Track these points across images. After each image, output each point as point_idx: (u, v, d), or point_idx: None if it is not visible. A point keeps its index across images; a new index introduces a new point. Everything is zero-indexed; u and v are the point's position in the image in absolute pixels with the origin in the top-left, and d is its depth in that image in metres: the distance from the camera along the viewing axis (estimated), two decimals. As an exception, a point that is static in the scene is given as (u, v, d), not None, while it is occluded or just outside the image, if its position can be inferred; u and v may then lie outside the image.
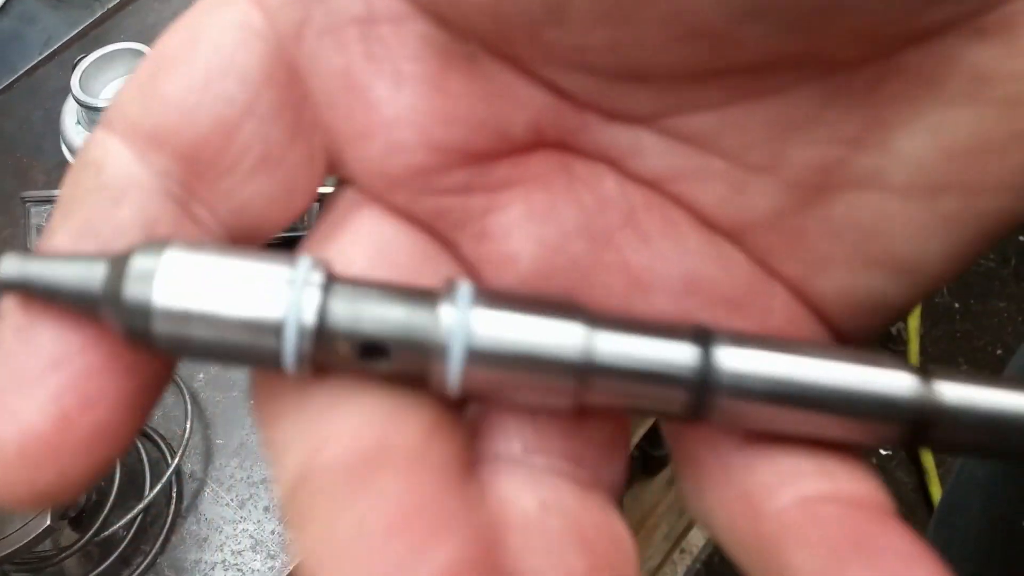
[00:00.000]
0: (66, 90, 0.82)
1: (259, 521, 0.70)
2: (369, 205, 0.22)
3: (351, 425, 0.19)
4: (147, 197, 0.20)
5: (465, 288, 0.20)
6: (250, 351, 0.19)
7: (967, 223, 0.20)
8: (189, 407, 0.72)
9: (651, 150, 0.22)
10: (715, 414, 0.20)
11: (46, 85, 0.93)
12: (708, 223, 0.22)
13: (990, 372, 0.23)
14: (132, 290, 0.19)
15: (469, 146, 0.21)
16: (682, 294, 0.22)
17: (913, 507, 1.56)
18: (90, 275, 0.19)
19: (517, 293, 0.20)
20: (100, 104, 0.80)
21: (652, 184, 0.22)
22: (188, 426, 0.71)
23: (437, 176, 0.21)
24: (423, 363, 0.19)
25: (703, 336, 0.20)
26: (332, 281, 0.19)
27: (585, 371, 0.19)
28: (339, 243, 0.22)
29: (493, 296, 0.20)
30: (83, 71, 0.82)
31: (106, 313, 0.19)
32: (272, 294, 0.19)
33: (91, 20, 0.95)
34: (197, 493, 0.71)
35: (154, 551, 0.68)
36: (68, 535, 0.69)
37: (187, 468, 0.72)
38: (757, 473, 0.20)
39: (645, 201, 0.22)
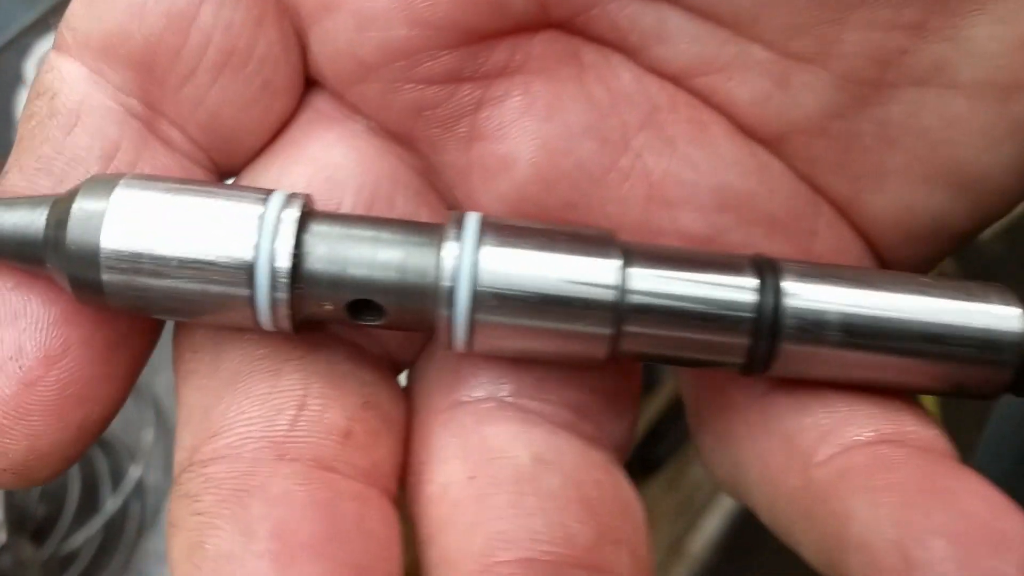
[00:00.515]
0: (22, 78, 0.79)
1: (227, 535, 0.67)
2: (325, 124, 0.19)
3: (255, 411, 0.17)
4: (104, 119, 0.18)
5: (472, 220, 0.17)
6: (217, 303, 0.17)
7: None
8: (151, 413, 0.69)
9: (678, 34, 0.18)
10: (779, 364, 0.17)
11: (3, 74, 0.89)
12: (743, 127, 0.19)
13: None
14: (76, 234, 0.16)
15: (460, 21, 0.18)
16: (712, 210, 0.19)
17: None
18: (32, 220, 0.17)
19: (535, 224, 0.17)
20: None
21: (677, 78, 0.19)
22: (150, 434, 0.68)
23: (420, 59, 0.18)
24: (424, 313, 0.17)
25: (767, 269, 0.17)
26: (312, 217, 0.17)
27: (624, 315, 0.17)
28: (279, 171, 0.19)
29: (507, 229, 0.17)
30: (40, 57, 0.79)
31: (51, 263, 0.17)
32: (240, 233, 0.16)
33: (52, 3, 0.91)
34: (160, 506, 0.68)
35: (115, 568, 0.65)
36: (27, 551, 0.66)
37: (150, 479, 0.69)
38: (806, 417, 0.18)
39: (669, 99, 0.19)
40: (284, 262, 0.16)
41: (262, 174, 0.19)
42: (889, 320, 0.17)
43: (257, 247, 0.16)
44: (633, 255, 0.17)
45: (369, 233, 0.17)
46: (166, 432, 0.70)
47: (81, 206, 0.16)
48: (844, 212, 0.19)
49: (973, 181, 0.18)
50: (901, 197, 0.19)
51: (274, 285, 0.16)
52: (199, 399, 0.17)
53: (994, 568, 0.14)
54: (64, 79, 0.18)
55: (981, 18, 0.17)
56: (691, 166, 0.19)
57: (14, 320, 0.17)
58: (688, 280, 0.17)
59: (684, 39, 0.18)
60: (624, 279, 0.16)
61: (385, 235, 0.17)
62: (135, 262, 0.16)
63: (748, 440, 0.19)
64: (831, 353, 0.17)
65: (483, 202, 0.19)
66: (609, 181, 0.19)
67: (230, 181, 0.20)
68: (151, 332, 0.19)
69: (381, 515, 0.16)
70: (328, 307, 0.17)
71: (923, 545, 0.15)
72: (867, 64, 0.18)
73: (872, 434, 0.17)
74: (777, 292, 0.17)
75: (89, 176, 0.17)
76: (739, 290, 0.17)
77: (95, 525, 0.64)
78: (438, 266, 0.16)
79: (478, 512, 0.16)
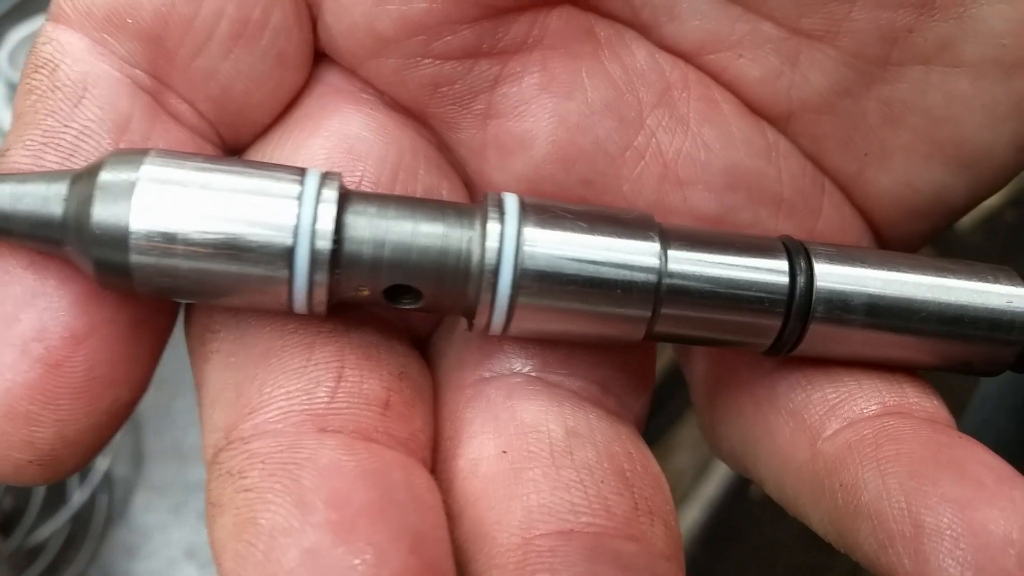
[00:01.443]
0: (-6, 68, 0.77)
1: (194, 527, 0.68)
2: (339, 97, 0.19)
3: (292, 385, 0.16)
4: (112, 91, 0.17)
5: (512, 202, 0.17)
6: (252, 286, 0.16)
7: None
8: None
9: (690, 11, 0.19)
10: (804, 344, 0.17)
11: (-25, 62, 0.88)
12: (752, 105, 0.19)
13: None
14: (103, 213, 0.15)
15: None
16: (724, 189, 0.19)
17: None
18: (49, 197, 0.15)
19: (573, 206, 0.17)
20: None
21: (688, 56, 0.19)
22: (117, 427, 0.67)
23: (439, 33, 0.18)
24: (462, 296, 0.16)
25: (798, 252, 0.17)
26: (348, 197, 0.16)
27: (663, 298, 0.17)
28: (296, 145, 0.18)
29: (546, 211, 0.17)
30: (14, 45, 0.77)
31: (71, 244, 0.15)
32: (278, 214, 0.15)
33: (25, -7, 0.89)
34: (126, 498, 0.67)
35: (82, 561, 0.65)
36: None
37: (117, 472, 0.68)
38: (813, 392, 0.18)
39: (681, 76, 0.19)
40: (325, 244, 0.15)
41: (277, 148, 0.18)
42: (910, 301, 0.17)
43: (296, 229, 0.15)
44: (671, 238, 0.17)
45: (407, 215, 0.16)
46: (134, 425, 0.70)
47: (107, 182, 0.15)
48: (847, 190, 0.20)
49: (974, 158, 0.19)
50: (904, 174, 0.19)
51: (313, 268, 0.15)
52: (228, 378, 0.17)
53: (1002, 533, 0.15)
54: (64, 51, 0.17)
55: None
56: (703, 145, 0.19)
57: (33, 300, 0.16)
58: (725, 263, 0.17)
59: (695, 16, 0.19)
60: (664, 262, 0.16)
61: (424, 217, 0.16)
62: (167, 244, 0.15)
63: (756, 415, 0.19)
64: (854, 333, 0.17)
65: (498, 180, 0.19)
66: (625, 160, 0.19)
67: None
68: (172, 310, 0.18)
69: (426, 484, 0.16)
70: (365, 292, 0.16)
71: (933, 512, 0.15)
72: (875, 42, 0.18)
73: (877, 407, 0.18)
74: (810, 275, 0.17)
75: (105, 151, 0.16)
76: (774, 273, 0.17)
77: (62, 517, 0.64)
78: (482, 250, 0.16)
79: (513, 486, 0.16)
